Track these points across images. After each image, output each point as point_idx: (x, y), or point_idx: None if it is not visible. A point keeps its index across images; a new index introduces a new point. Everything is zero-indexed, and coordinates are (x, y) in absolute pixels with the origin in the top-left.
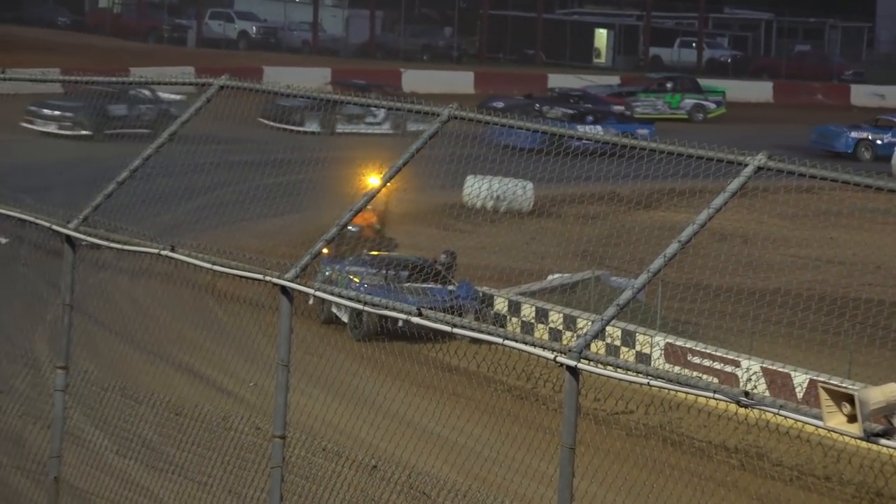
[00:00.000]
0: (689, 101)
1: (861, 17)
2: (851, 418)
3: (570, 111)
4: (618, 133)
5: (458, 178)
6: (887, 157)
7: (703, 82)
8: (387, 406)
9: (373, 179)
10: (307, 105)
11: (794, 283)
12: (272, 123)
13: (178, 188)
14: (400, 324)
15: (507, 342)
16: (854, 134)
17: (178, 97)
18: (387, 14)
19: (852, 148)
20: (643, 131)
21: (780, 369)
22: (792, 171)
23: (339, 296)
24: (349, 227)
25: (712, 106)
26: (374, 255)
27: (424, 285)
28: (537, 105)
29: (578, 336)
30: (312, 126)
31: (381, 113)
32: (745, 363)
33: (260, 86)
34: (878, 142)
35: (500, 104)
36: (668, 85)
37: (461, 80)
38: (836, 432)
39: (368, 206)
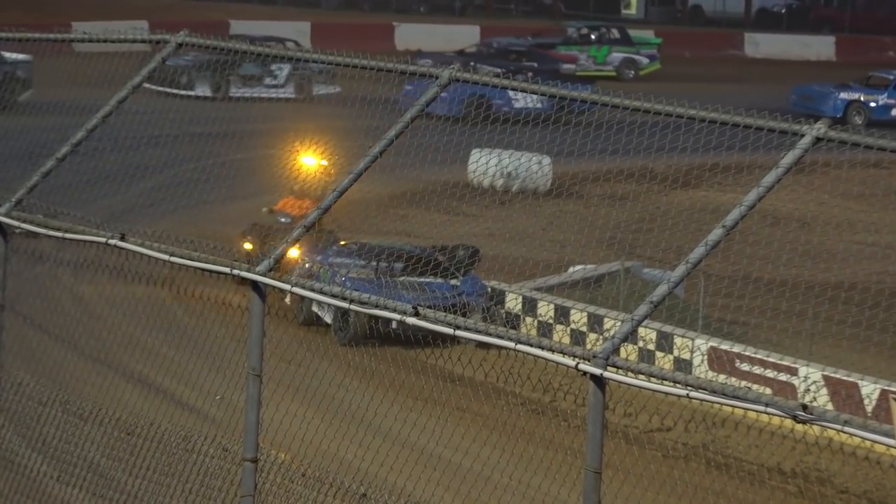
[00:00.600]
0: (617, 55)
1: None
2: None
3: (503, 70)
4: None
5: (461, 150)
6: (883, 123)
7: (636, 33)
8: (378, 423)
9: (307, 159)
10: (195, 64)
11: (860, 275)
12: (155, 87)
13: (130, 165)
14: (393, 325)
15: (520, 347)
16: (843, 95)
17: (24, 57)
18: None
19: (842, 111)
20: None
21: (845, 378)
22: (857, 143)
23: (321, 292)
24: (280, 219)
25: (645, 61)
26: (362, 243)
27: (422, 279)
28: (471, 63)
29: (605, 339)
30: (203, 89)
31: (283, 73)
32: (803, 370)
33: (226, 43)
34: (872, 104)
35: (427, 61)
36: (592, 36)
37: (465, 35)
38: None
39: (299, 193)
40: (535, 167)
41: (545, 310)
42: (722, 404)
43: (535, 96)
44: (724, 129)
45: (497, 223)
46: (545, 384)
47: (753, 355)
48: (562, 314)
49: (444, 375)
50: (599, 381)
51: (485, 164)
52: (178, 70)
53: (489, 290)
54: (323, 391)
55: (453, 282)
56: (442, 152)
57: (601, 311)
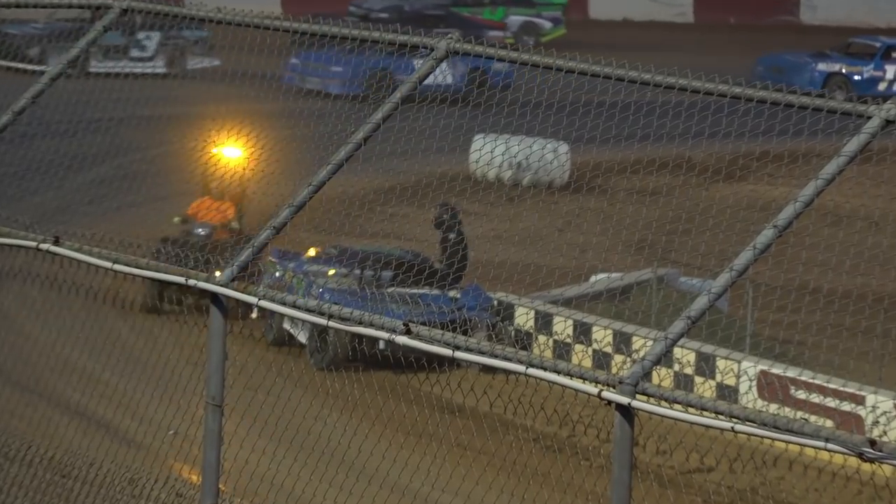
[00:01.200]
0: (515, 18)
1: None
2: None
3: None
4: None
5: (461, 136)
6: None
7: None
8: (362, 462)
9: (228, 150)
10: (46, 33)
11: None
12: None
13: (66, 155)
14: (381, 345)
15: (532, 371)
16: (822, 66)
17: None
18: None
19: (821, 85)
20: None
21: None
22: None
23: (294, 306)
24: (197, 230)
25: (547, 25)
26: (343, 247)
27: (415, 290)
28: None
29: (634, 362)
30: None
31: (152, 45)
32: (870, 399)
33: (178, 9)
34: (856, 77)
35: None
36: None
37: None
38: None
39: (217, 193)
40: (549, 156)
41: (562, 327)
42: (773, 439)
43: (444, 70)
44: (776, 111)
45: (505, 223)
46: (562, 416)
47: (811, 381)
48: (582, 332)
49: (442, 405)
50: (627, 412)
51: (490, 153)
52: (25, 40)
53: (495, 303)
54: (296, 424)
55: (452, 293)
56: (438, 138)
57: (629, 329)
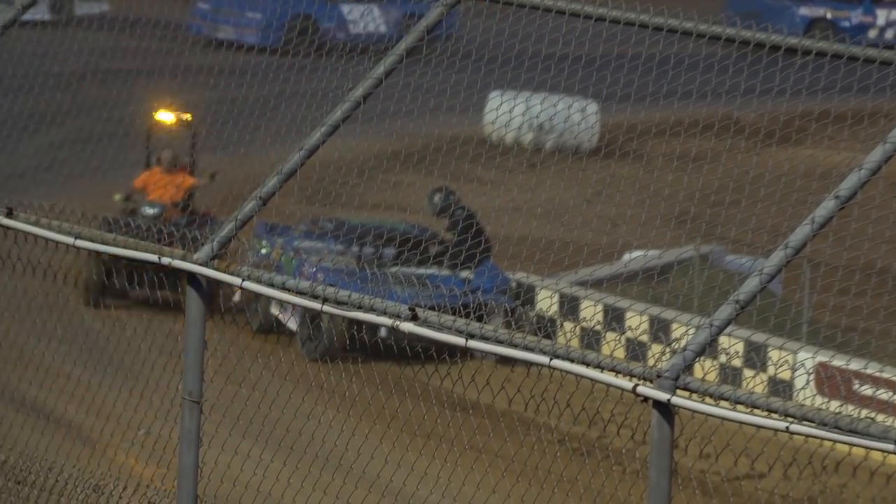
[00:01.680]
0: None
1: None
2: None
3: None
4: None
5: (475, 93)
6: None
7: None
8: (361, 467)
9: (163, 114)
10: None
11: None
12: None
13: (20, 115)
14: (383, 333)
15: (556, 363)
16: (804, 10)
17: None
18: None
19: (804, 31)
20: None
21: None
22: None
23: (284, 288)
24: (146, 210)
25: None
26: (340, 221)
27: (422, 270)
28: None
29: (674, 352)
30: None
31: None
32: None
33: None
34: (844, 22)
35: None
36: None
37: None
38: None
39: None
40: (576, 116)
41: (591, 312)
42: (835, 441)
43: (377, 18)
44: (838, 65)
45: (525, 193)
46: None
47: (878, 374)
48: (614, 318)
49: (453, 402)
50: (666, 410)
51: (508, 113)
52: None
53: (514, 284)
54: (285, 423)
55: (465, 274)
56: (449, 96)
57: (668, 314)
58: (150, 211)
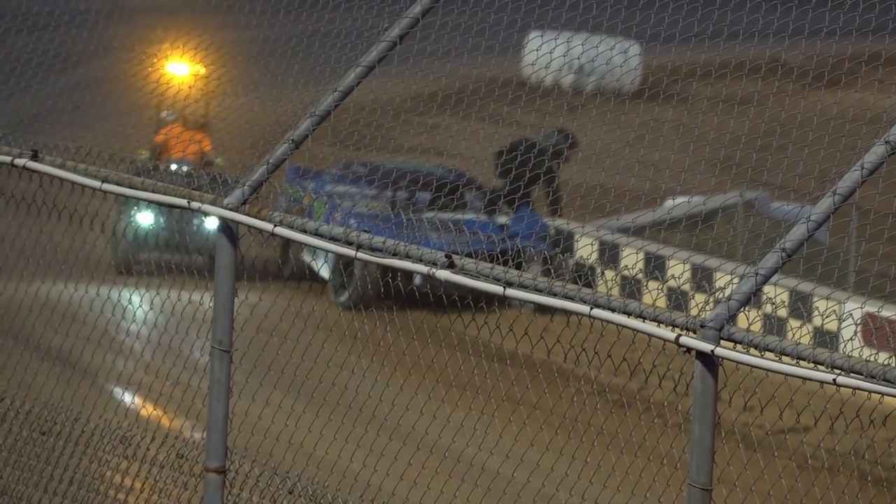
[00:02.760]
0: None
1: None
2: None
3: None
4: None
5: (514, 34)
6: None
7: None
8: (395, 419)
9: (175, 66)
10: None
11: None
12: None
13: (45, 53)
14: (418, 281)
15: (596, 312)
16: None
17: None
18: None
19: None
20: None
21: None
22: None
23: (317, 234)
24: (180, 166)
25: None
26: (374, 165)
27: (458, 216)
28: None
29: (717, 302)
30: None
31: None
32: None
33: None
34: None
35: None
36: None
37: None
38: None
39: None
40: (618, 58)
41: (632, 260)
42: (883, 394)
43: None
44: (889, 4)
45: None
46: (632, 365)
47: None
48: (656, 266)
49: (490, 352)
50: (710, 362)
51: (547, 54)
52: None
53: (552, 231)
54: (317, 374)
55: (502, 220)
56: (487, 36)
57: (712, 263)
58: (183, 169)
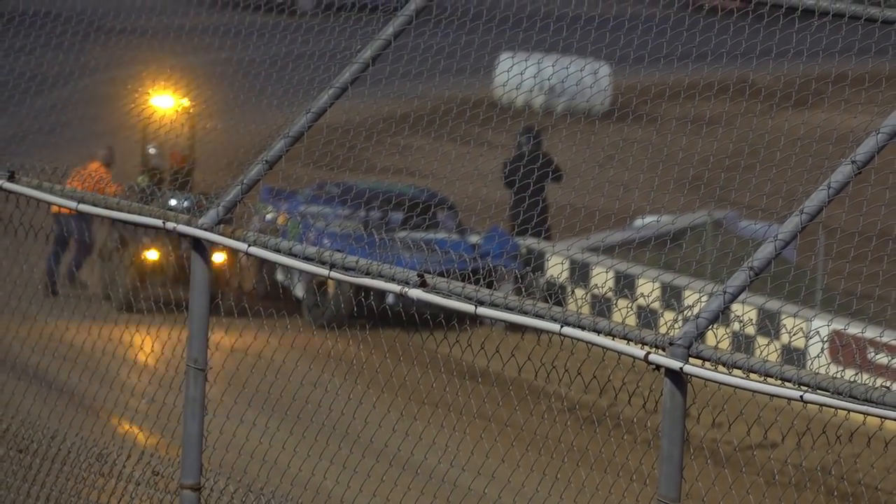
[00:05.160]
0: None
1: None
2: None
3: None
4: None
5: (485, 55)
6: None
7: None
8: (368, 436)
9: (159, 99)
10: None
11: None
12: None
13: (21, 75)
14: (391, 300)
15: (567, 330)
16: None
17: None
18: None
19: None
20: None
21: None
22: None
23: (291, 253)
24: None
25: None
26: (347, 185)
27: (431, 235)
28: None
29: (686, 320)
30: None
31: None
32: None
33: None
34: None
35: None
36: None
37: None
38: None
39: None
40: (588, 79)
41: (602, 279)
42: (849, 410)
43: None
44: (855, 26)
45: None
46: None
47: (894, 343)
48: (626, 285)
49: (462, 370)
50: (678, 379)
51: (518, 75)
52: None
53: (523, 250)
54: (291, 392)
55: (473, 239)
56: (459, 58)
57: (681, 281)
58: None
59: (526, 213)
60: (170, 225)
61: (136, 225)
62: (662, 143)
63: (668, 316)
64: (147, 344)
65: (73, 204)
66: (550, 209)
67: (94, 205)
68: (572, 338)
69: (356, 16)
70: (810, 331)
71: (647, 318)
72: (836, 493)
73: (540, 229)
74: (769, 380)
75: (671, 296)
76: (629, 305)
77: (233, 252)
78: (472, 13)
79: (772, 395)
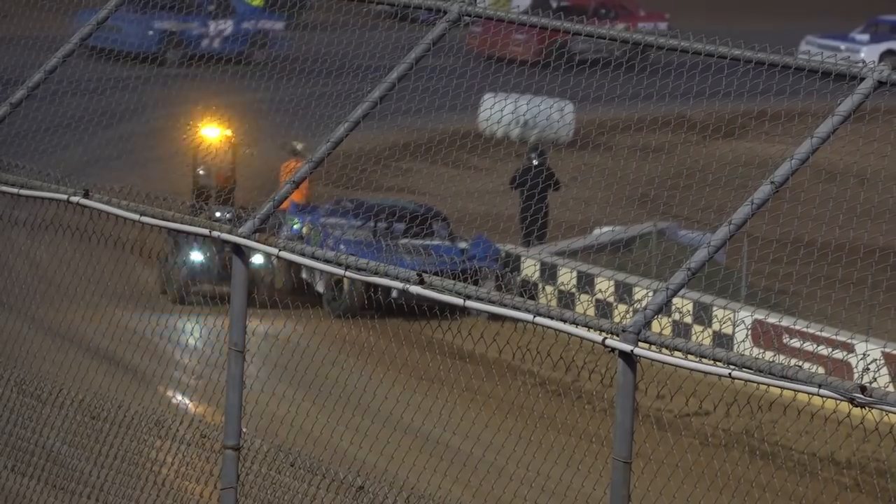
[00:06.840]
0: None
1: None
2: None
3: None
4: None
5: (472, 95)
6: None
7: None
8: (377, 406)
9: (207, 130)
10: None
11: None
12: None
13: (94, 111)
14: (394, 294)
15: (539, 319)
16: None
17: None
18: None
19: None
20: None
21: None
22: None
23: (313, 257)
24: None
25: None
26: (359, 201)
27: (427, 242)
28: None
29: (636, 311)
30: None
31: None
32: (860, 347)
33: None
34: None
35: None
36: None
37: None
38: None
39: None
40: (555, 115)
41: (567, 277)
42: (768, 385)
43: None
44: (773, 72)
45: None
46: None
47: (804, 329)
48: (586, 282)
49: (452, 352)
50: (629, 359)
51: (499, 111)
52: None
53: (503, 254)
54: (314, 370)
55: (462, 245)
56: (451, 97)
57: (631, 280)
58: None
59: (532, 215)
60: (215, 233)
61: (188, 233)
62: (616, 167)
63: (621, 308)
64: (196, 331)
65: (136, 216)
66: (551, 212)
67: (154, 217)
68: (543, 325)
69: (366, 63)
70: (736, 320)
71: (604, 309)
72: (758, 453)
73: (545, 231)
74: (703, 360)
75: (623, 292)
76: (589, 299)
77: (267, 255)
78: (462, 61)
79: (705, 373)
